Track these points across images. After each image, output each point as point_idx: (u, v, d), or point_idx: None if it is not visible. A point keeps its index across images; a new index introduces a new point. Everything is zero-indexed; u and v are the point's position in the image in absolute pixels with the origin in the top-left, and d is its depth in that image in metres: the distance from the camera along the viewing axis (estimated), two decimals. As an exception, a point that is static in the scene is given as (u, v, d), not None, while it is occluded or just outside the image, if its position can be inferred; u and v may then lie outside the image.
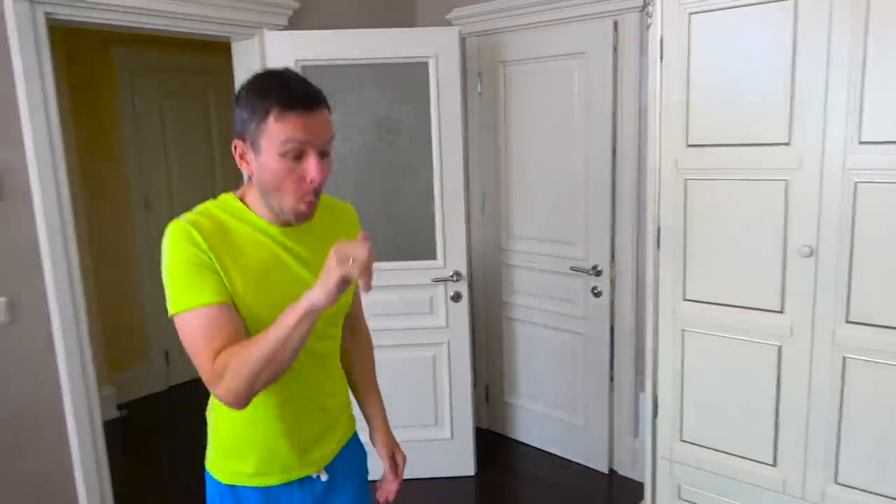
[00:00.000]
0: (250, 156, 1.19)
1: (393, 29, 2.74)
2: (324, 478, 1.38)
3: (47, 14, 2.12)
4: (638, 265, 2.79)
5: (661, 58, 2.06)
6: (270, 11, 2.68)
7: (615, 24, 2.64)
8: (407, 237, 2.86)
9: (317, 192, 1.21)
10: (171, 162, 4.13)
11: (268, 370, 1.10)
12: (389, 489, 1.61)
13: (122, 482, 2.69)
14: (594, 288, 2.89)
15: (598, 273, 2.86)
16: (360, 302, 1.62)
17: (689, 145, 2.06)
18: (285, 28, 2.75)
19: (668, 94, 2.07)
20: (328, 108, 1.24)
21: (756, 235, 1.98)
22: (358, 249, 1.04)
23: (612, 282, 2.87)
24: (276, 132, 1.14)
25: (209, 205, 1.25)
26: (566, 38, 2.78)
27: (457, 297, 2.86)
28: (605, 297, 2.88)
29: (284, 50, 2.66)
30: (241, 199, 1.26)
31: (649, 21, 2.09)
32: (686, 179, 2.08)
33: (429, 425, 2.99)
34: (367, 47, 2.68)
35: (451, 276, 2.83)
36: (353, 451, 1.51)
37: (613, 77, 2.69)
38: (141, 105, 3.96)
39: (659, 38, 2.05)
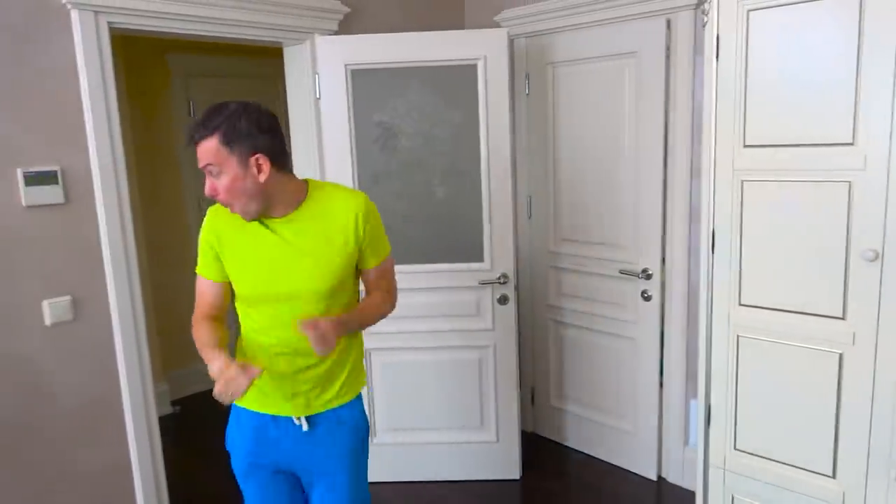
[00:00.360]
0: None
1: (441, 31, 2.75)
2: (305, 427, 1.66)
3: (110, 23, 2.20)
4: (690, 269, 2.73)
5: (718, 56, 2.01)
6: (321, 17, 2.72)
7: (668, 23, 2.59)
8: (454, 239, 2.87)
9: (226, 203, 1.53)
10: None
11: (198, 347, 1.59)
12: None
13: (175, 474, 2.76)
14: (644, 291, 2.84)
15: (649, 276, 2.81)
16: (381, 286, 1.79)
17: (746, 146, 2.00)
18: (335, 33, 2.79)
19: (724, 94, 2.02)
20: (209, 134, 1.47)
21: (817, 239, 1.92)
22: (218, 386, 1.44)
23: (663, 285, 2.82)
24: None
25: None
26: (617, 37, 2.74)
27: (503, 300, 2.85)
28: (656, 301, 2.82)
29: (334, 54, 2.70)
30: None
31: (705, 19, 2.04)
32: (742, 181, 2.03)
33: (474, 428, 2.98)
34: (415, 50, 2.70)
35: (498, 278, 2.82)
36: (342, 415, 1.72)
37: (665, 77, 2.64)
38: (195, 110, 4.07)
39: (715, 36, 2.00)
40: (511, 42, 2.62)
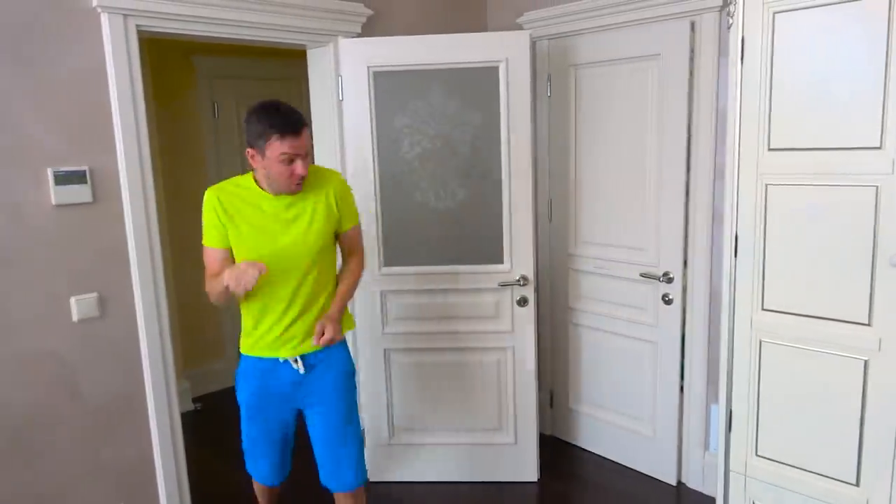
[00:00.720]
0: (258, 159, 1.92)
1: (464, 34, 2.76)
2: (301, 371, 2.06)
3: (138, 26, 2.24)
4: (712, 272, 2.70)
5: (742, 59, 2.00)
6: (345, 19, 2.75)
7: (692, 25, 2.58)
8: (474, 241, 2.87)
9: (303, 179, 1.94)
10: (246, 167, 4.27)
11: (219, 300, 1.95)
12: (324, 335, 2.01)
13: (195, 470, 2.80)
14: (665, 295, 2.82)
15: (670, 280, 2.79)
16: (354, 246, 2.22)
17: (771, 149, 1.98)
18: (358, 35, 2.81)
19: (748, 97, 2.00)
20: (307, 124, 1.92)
21: (842, 243, 1.89)
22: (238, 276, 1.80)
23: (685, 289, 2.80)
24: (278, 148, 1.87)
25: (238, 178, 2.04)
26: (640, 39, 2.73)
27: (523, 302, 2.85)
28: (677, 305, 2.80)
29: (357, 56, 2.72)
30: (255, 177, 2.01)
31: (730, 21, 2.02)
32: (766, 184, 2.01)
33: (492, 429, 2.99)
34: (437, 52, 2.71)
35: (518, 280, 2.82)
36: (332, 355, 2.12)
37: (689, 79, 2.62)
38: (220, 111, 4.12)
39: (740, 38, 1.99)
40: (533, 44, 2.61)
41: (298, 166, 1.90)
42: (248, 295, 1.98)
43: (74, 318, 2.21)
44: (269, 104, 1.90)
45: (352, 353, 2.98)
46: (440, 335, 2.92)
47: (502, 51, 2.68)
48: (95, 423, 2.30)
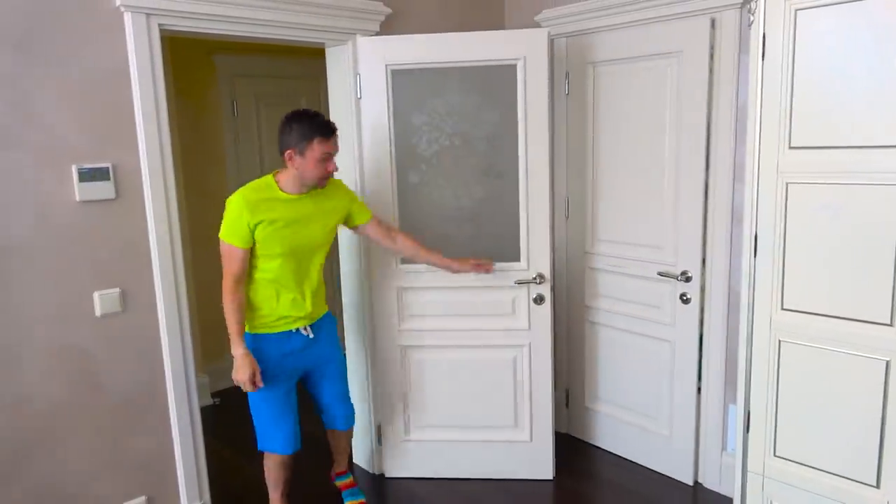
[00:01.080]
0: (297, 159, 2.26)
1: (482, 32, 2.76)
2: (311, 335, 2.45)
3: (161, 25, 2.27)
4: (731, 272, 2.68)
5: (763, 56, 1.98)
6: (363, 18, 2.76)
7: (712, 22, 2.56)
8: (491, 239, 2.88)
9: (331, 174, 2.32)
10: (265, 164, 4.32)
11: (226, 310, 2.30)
12: (482, 266, 2.73)
13: (215, 464, 2.83)
14: (683, 294, 2.81)
15: (688, 279, 2.78)
16: (386, 227, 2.65)
17: (792, 147, 1.97)
18: (377, 34, 2.82)
19: (769, 94, 1.98)
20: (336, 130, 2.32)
21: (864, 242, 1.87)
22: (238, 375, 2.30)
23: (703, 288, 2.78)
24: (319, 148, 2.24)
25: (259, 181, 2.33)
26: (659, 37, 2.71)
27: (539, 300, 2.85)
28: (695, 304, 2.79)
29: (375, 54, 2.73)
30: (276, 178, 2.33)
31: (751, 18, 2.01)
32: (787, 183, 1.99)
33: (508, 427, 2.99)
34: (455, 50, 2.71)
35: (535, 278, 2.82)
36: (326, 323, 2.55)
37: (709, 76, 2.60)
38: (239, 109, 4.16)
39: (761, 35, 1.97)
40: (551, 42, 2.59)
41: (332, 164, 2.29)
42: (263, 280, 2.34)
43: (97, 312, 2.25)
44: (307, 111, 2.28)
45: (367, 351, 3.01)
46: (457, 332, 2.93)
47: (520, 49, 2.68)
48: (117, 415, 2.34)
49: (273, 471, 2.54)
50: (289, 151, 2.24)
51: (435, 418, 3.02)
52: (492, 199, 2.86)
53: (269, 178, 2.33)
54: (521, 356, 2.92)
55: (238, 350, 2.28)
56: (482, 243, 2.87)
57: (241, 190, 2.28)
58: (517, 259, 2.85)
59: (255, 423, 2.46)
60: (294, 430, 2.47)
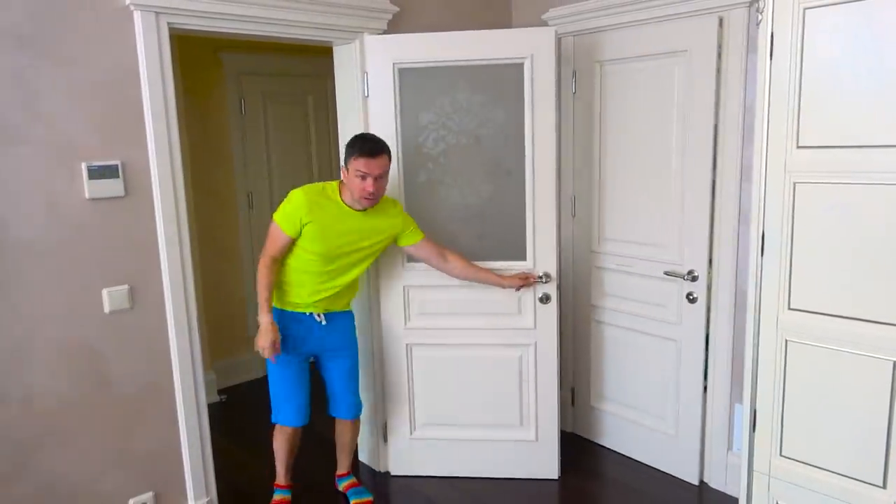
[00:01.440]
0: (344, 172, 2.46)
1: (488, 30, 2.76)
2: (323, 322, 2.61)
3: (170, 24, 2.28)
4: (738, 271, 2.68)
5: (772, 55, 1.97)
6: (371, 16, 2.77)
7: (720, 21, 2.55)
8: (497, 237, 2.88)
9: (372, 196, 2.42)
10: (272, 162, 4.33)
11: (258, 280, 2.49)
12: (529, 277, 2.80)
13: (221, 460, 2.85)
14: (689, 293, 2.80)
15: (695, 278, 2.78)
16: (437, 248, 2.73)
17: (800, 146, 1.96)
18: (384, 32, 2.83)
19: (777, 93, 1.98)
20: (386, 153, 2.43)
21: (873, 242, 1.86)
22: (260, 340, 2.45)
23: (709, 288, 2.78)
24: (355, 165, 2.38)
25: (324, 184, 2.54)
26: (667, 35, 2.71)
27: (545, 299, 2.85)
28: (701, 303, 2.78)
29: (383, 53, 2.74)
30: (340, 187, 2.52)
31: (759, 17, 2.00)
32: (795, 182, 1.98)
33: (514, 426, 3.00)
34: (462, 49, 2.72)
35: (540, 277, 2.82)
36: (345, 317, 2.72)
37: (716, 76, 2.59)
38: (246, 107, 4.18)
39: (770, 34, 1.97)
40: (558, 40, 2.58)
41: (368, 184, 2.38)
42: (299, 269, 2.53)
43: (106, 309, 2.27)
44: (363, 134, 2.53)
45: (373, 348, 3.01)
46: (462, 331, 2.93)
47: (527, 47, 2.67)
48: (125, 411, 2.36)
49: (279, 442, 2.72)
50: (343, 167, 2.46)
51: (440, 416, 3.03)
52: (498, 198, 2.85)
53: (334, 184, 2.53)
54: (527, 355, 2.92)
55: (264, 318, 2.43)
56: (488, 241, 2.88)
57: (307, 186, 2.49)
58: (523, 258, 2.85)
59: (270, 397, 2.67)
60: (300, 404, 2.64)
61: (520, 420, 2.99)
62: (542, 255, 2.83)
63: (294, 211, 2.43)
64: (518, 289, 2.79)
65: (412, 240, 2.67)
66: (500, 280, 2.76)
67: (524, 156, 2.76)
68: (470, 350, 2.95)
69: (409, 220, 2.68)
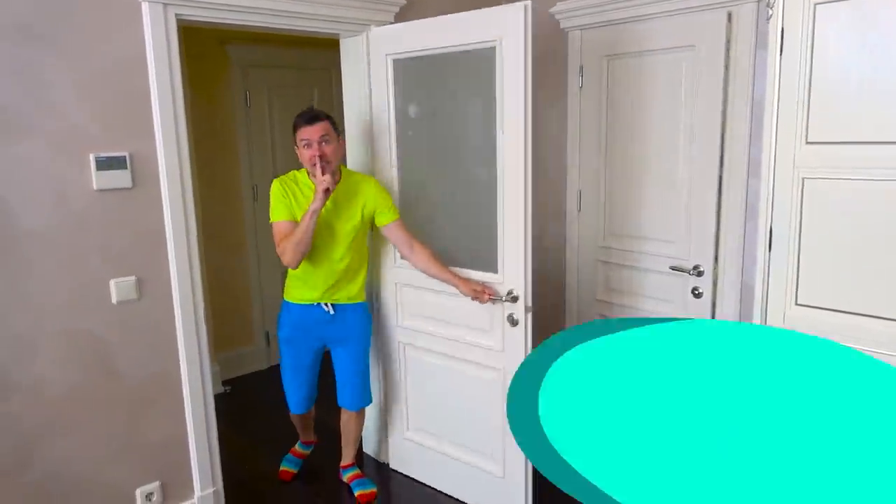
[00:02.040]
0: (296, 149, 2.51)
1: (459, 14, 2.46)
2: (331, 312, 2.65)
3: (177, 15, 2.28)
4: (744, 267, 2.67)
5: (781, 51, 1.97)
6: (378, 9, 2.75)
7: (729, 16, 2.54)
8: (472, 243, 2.65)
9: (321, 161, 2.41)
10: (277, 155, 4.33)
11: (298, 247, 2.42)
12: (485, 292, 2.49)
13: (226, 450, 2.86)
14: (695, 289, 2.80)
15: (700, 274, 2.77)
16: (405, 237, 2.64)
17: (809, 142, 1.96)
18: (391, 24, 2.81)
19: (787, 89, 1.98)
20: (325, 119, 2.47)
21: (881, 239, 1.86)
22: (318, 182, 2.38)
23: (715, 283, 2.77)
24: (299, 136, 2.46)
25: (295, 172, 2.59)
26: (675, 30, 2.70)
27: (512, 322, 2.46)
28: (706, 298, 2.78)
29: (377, 44, 2.73)
30: (307, 172, 2.52)
31: (769, 12, 2.00)
32: (804, 178, 1.98)
33: (485, 454, 2.73)
34: (440, 35, 2.52)
35: (507, 295, 2.45)
36: (355, 308, 2.72)
37: (724, 71, 2.58)
38: (252, 99, 4.17)
39: (780, 29, 1.96)
40: (532, 17, 2.21)
41: (314, 149, 2.41)
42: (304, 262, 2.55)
43: (113, 300, 2.27)
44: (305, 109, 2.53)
45: (377, 341, 3.01)
46: (443, 340, 2.75)
47: (497, 29, 2.31)
48: (131, 401, 2.37)
49: (294, 420, 2.98)
50: (296, 149, 2.51)
51: (427, 423, 2.91)
52: (472, 200, 2.59)
53: (304, 170, 2.56)
54: (495, 383, 2.56)
55: (319, 185, 2.38)
56: (462, 246, 2.67)
57: (280, 177, 2.58)
58: (494, 270, 2.50)
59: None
60: (302, 395, 2.81)
61: (490, 450, 2.66)
62: (510, 269, 2.45)
63: (277, 199, 2.52)
64: (473, 299, 2.49)
65: (385, 220, 2.62)
66: (458, 284, 2.51)
67: (495, 155, 2.41)
68: (449, 360, 2.75)
69: (386, 197, 2.63)
